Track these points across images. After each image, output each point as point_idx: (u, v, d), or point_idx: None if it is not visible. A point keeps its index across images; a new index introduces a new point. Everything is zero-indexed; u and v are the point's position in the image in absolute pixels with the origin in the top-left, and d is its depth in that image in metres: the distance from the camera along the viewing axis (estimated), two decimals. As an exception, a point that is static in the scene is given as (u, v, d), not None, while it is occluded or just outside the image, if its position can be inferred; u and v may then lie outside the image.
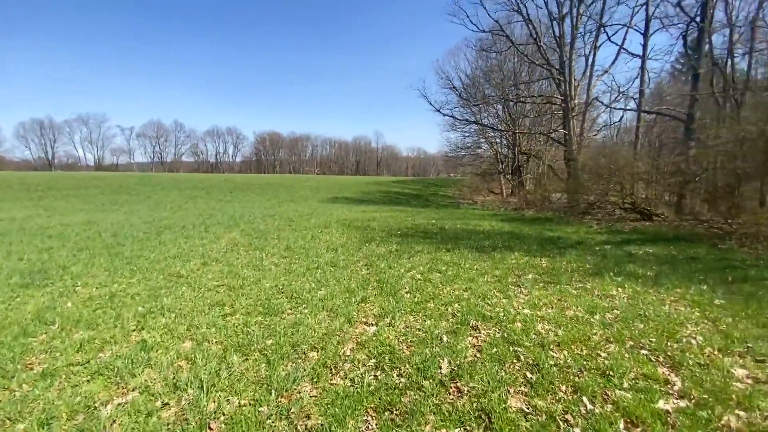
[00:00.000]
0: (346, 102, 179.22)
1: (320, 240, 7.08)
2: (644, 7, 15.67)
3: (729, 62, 15.29)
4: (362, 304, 3.59)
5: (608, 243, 7.47)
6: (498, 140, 28.16)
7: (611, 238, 8.26)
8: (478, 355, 2.57)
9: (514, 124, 24.52)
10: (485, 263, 5.26)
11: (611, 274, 4.65)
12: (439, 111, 22.33)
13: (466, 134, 29.23)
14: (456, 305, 3.54)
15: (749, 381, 2.15)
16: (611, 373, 2.26)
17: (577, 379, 2.22)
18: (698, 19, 13.49)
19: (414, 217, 12.19)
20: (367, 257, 5.59)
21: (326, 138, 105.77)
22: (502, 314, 3.28)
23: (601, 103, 17.62)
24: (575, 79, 18.26)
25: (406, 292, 3.95)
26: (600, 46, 17.81)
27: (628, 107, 17.31)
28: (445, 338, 2.82)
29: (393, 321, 3.18)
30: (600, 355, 2.51)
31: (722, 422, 1.78)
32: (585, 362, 2.41)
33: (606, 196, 13.16)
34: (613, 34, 17.10)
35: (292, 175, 57.95)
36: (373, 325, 3.13)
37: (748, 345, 2.60)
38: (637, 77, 16.87)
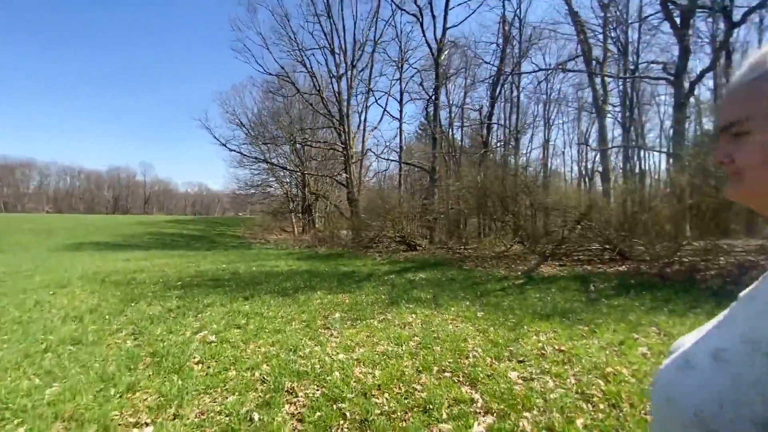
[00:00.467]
0: (98, 125, 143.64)
1: (52, 306, 4.96)
2: (399, 82, 19.82)
3: (450, 132, 21.06)
4: (129, 396, 2.55)
5: (392, 273, 8.45)
6: (288, 180, 28.69)
7: (392, 268, 9.40)
8: (300, 427, 2.16)
9: (302, 165, 25.60)
10: (290, 308, 4.88)
11: (404, 301, 5.16)
12: (224, 146, 20.86)
13: (255, 172, 28.44)
14: (265, 366, 3.00)
15: (522, 382, 2.63)
16: (430, 406, 2.32)
17: (404, 423, 2.15)
18: (434, 97, 18.06)
19: (199, 262, 10.52)
20: (135, 323, 4.22)
21: (65, 166, 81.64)
22: (318, 366, 2.99)
23: (374, 153, 20.72)
24: (353, 131, 20.90)
25: (197, 363, 3.10)
26: (370, 107, 21.22)
27: (392, 158, 21.01)
28: (256, 416, 2.27)
29: (180, 410, 2.36)
30: (416, 389, 2.56)
31: (520, 428, 2.05)
32: (406, 401, 2.40)
33: (383, 231, 15.19)
34: (379, 98, 20.69)
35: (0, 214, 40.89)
36: (147, 424, 2.22)
37: (510, 348, 3.27)
38: (396, 135, 20.90)
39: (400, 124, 20.00)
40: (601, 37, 12.75)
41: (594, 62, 13.48)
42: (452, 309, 4.70)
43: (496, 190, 10.48)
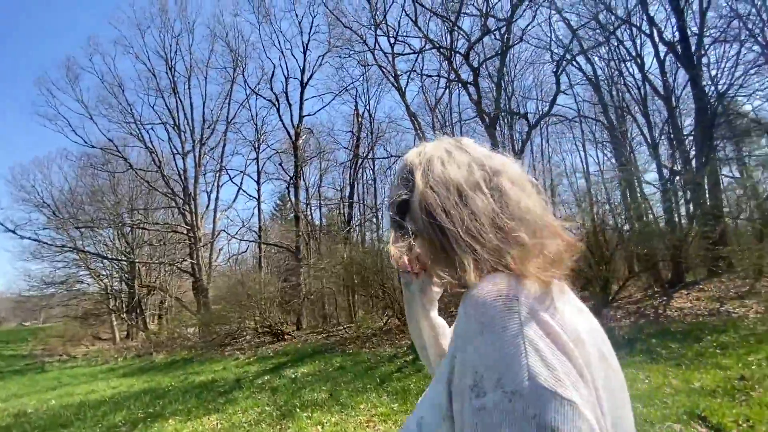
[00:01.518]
0: None
1: None
2: (256, 162, 19.27)
3: (308, 211, 21.11)
4: None
5: (265, 373, 7.10)
6: (107, 272, 23.03)
7: (264, 366, 7.97)
8: None
9: (132, 252, 21.18)
10: (130, 458, 3.30)
11: (297, 409, 4.15)
12: (13, 232, 15.67)
13: (59, 265, 21.94)
14: None
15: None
16: None
17: None
18: (294, 178, 18.03)
19: (-56, 410, 6.79)
20: None
21: None
22: None
23: (228, 234, 18.84)
24: (200, 211, 18.76)
25: None
26: (223, 185, 19.69)
27: (250, 239, 19.44)
28: None
29: None
30: None
31: None
32: None
33: (244, 323, 13.20)
34: (234, 176, 19.47)
35: None
36: None
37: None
38: (254, 215, 19.70)
39: (258, 204, 18.98)
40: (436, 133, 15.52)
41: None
42: (361, 406, 3.99)
43: (368, 264, 10.50)
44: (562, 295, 0.48)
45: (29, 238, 16.89)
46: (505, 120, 15.07)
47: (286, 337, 12.63)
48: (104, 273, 22.89)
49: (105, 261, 21.69)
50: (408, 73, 15.44)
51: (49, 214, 20.07)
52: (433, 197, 0.53)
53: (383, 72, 15.33)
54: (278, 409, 4.29)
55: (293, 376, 6.27)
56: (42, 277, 22.16)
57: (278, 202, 26.84)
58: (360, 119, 16.55)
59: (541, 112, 12.41)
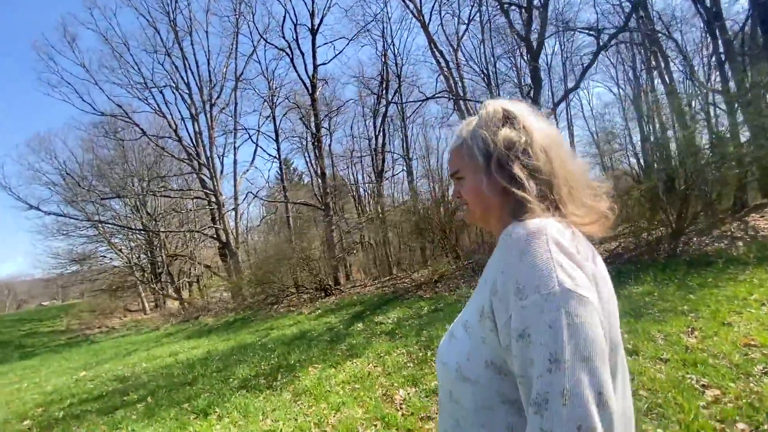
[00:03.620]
0: None
1: None
2: (273, 120, 18.20)
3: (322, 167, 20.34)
4: None
5: (353, 322, 6.91)
6: (128, 245, 22.74)
7: (341, 317, 7.79)
8: None
9: (155, 222, 20.76)
10: (307, 405, 3.03)
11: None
12: (37, 209, 15.13)
13: (80, 242, 21.57)
14: None
15: None
16: None
17: None
18: (316, 132, 17.18)
19: (30, 380, 6.68)
20: None
21: None
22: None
23: (255, 195, 18.29)
24: (222, 175, 18.08)
25: None
26: (241, 146, 18.86)
27: (279, 200, 18.94)
28: None
29: None
30: None
31: None
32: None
33: (295, 280, 13.06)
34: (252, 134, 18.55)
35: None
36: None
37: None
38: (277, 176, 19.06)
39: (280, 162, 18.25)
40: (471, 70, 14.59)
41: (461, 93, 15.09)
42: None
43: (429, 213, 10.12)
44: (582, 239, 0.63)
45: (55, 214, 16.37)
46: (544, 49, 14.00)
47: (333, 291, 12.53)
48: (125, 245, 22.62)
49: (131, 233, 21.30)
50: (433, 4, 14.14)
51: (62, 191, 19.30)
52: (549, 141, 0.65)
53: (404, 2, 14.10)
54: (428, 348, 4.03)
55: (392, 322, 6.05)
56: (66, 256, 21.91)
57: (283, 157, 25.91)
58: (385, 59, 15.41)
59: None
